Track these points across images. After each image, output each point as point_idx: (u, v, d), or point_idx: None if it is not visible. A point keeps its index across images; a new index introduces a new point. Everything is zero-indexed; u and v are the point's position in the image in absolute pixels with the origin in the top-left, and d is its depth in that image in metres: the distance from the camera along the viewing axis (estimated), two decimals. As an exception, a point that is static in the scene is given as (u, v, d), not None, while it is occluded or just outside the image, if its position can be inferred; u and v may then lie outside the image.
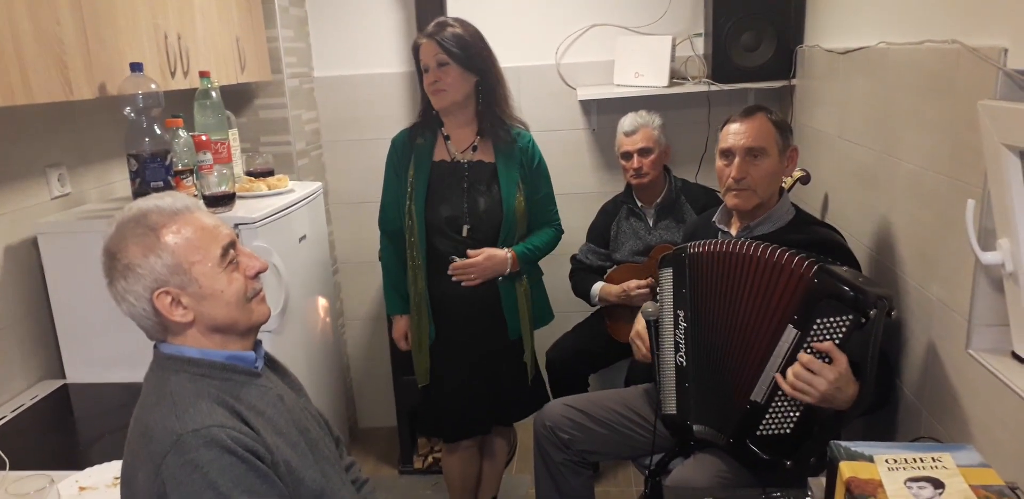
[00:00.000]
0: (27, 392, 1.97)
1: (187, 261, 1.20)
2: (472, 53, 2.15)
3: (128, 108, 1.87)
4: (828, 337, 1.59)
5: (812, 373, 1.55)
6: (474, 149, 2.24)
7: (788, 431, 1.68)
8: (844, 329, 1.57)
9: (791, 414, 1.67)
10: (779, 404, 1.69)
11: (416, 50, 2.19)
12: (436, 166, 2.21)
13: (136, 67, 1.85)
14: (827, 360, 1.57)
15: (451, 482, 2.55)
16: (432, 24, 2.18)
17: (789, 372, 1.59)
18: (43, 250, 1.99)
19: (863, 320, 1.54)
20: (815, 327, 1.60)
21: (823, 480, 1.35)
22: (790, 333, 1.65)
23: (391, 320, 2.43)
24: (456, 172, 2.21)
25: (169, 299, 1.20)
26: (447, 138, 2.24)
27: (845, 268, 1.64)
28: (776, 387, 1.67)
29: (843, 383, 1.55)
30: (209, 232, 1.24)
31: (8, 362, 1.94)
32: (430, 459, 3.10)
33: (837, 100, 2.36)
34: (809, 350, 1.60)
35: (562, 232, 2.42)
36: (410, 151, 2.23)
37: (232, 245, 1.27)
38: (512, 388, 2.39)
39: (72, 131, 2.18)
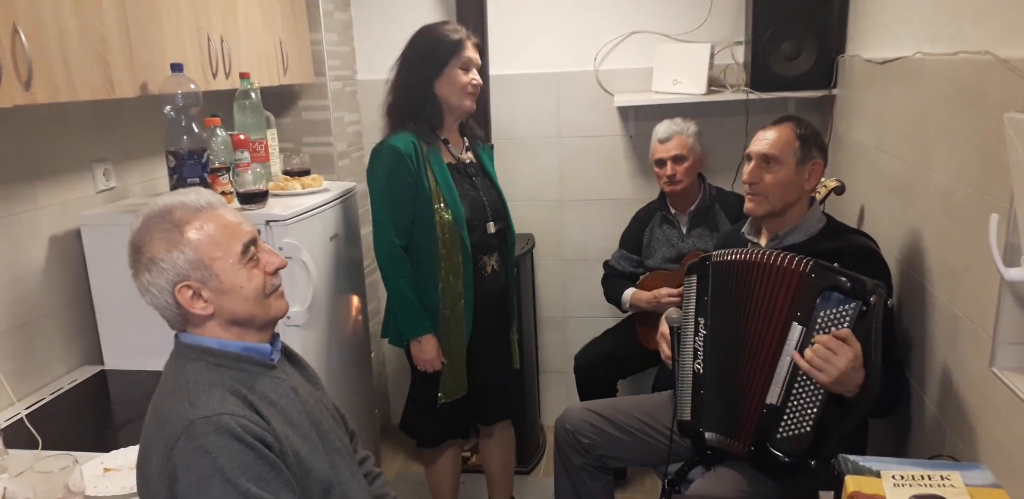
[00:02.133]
0: (67, 376, 2.06)
1: (208, 257, 1.25)
2: None
3: (168, 107, 1.94)
4: (832, 329, 1.60)
5: (831, 352, 1.56)
6: (467, 150, 2.32)
7: (808, 429, 1.67)
8: (847, 319, 1.58)
9: (809, 411, 1.66)
10: (795, 402, 1.68)
11: (458, 46, 2.16)
12: (450, 168, 2.23)
13: (177, 68, 1.92)
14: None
15: (443, 489, 2.50)
16: (454, 24, 2.23)
17: (808, 351, 1.60)
18: (86, 241, 2.07)
19: (864, 308, 1.56)
20: (819, 321, 1.62)
21: (832, 494, 1.34)
22: (795, 331, 1.66)
23: (406, 346, 2.28)
24: (463, 173, 2.27)
25: (190, 293, 1.25)
26: (446, 142, 2.26)
27: (836, 264, 1.65)
28: (790, 386, 1.67)
29: (858, 363, 1.56)
30: (231, 229, 1.28)
31: (50, 347, 2.03)
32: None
33: (874, 111, 2.32)
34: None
35: None
36: (424, 158, 2.16)
37: (253, 242, 1.31)
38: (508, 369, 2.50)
39: (119, 128, 2.26)
